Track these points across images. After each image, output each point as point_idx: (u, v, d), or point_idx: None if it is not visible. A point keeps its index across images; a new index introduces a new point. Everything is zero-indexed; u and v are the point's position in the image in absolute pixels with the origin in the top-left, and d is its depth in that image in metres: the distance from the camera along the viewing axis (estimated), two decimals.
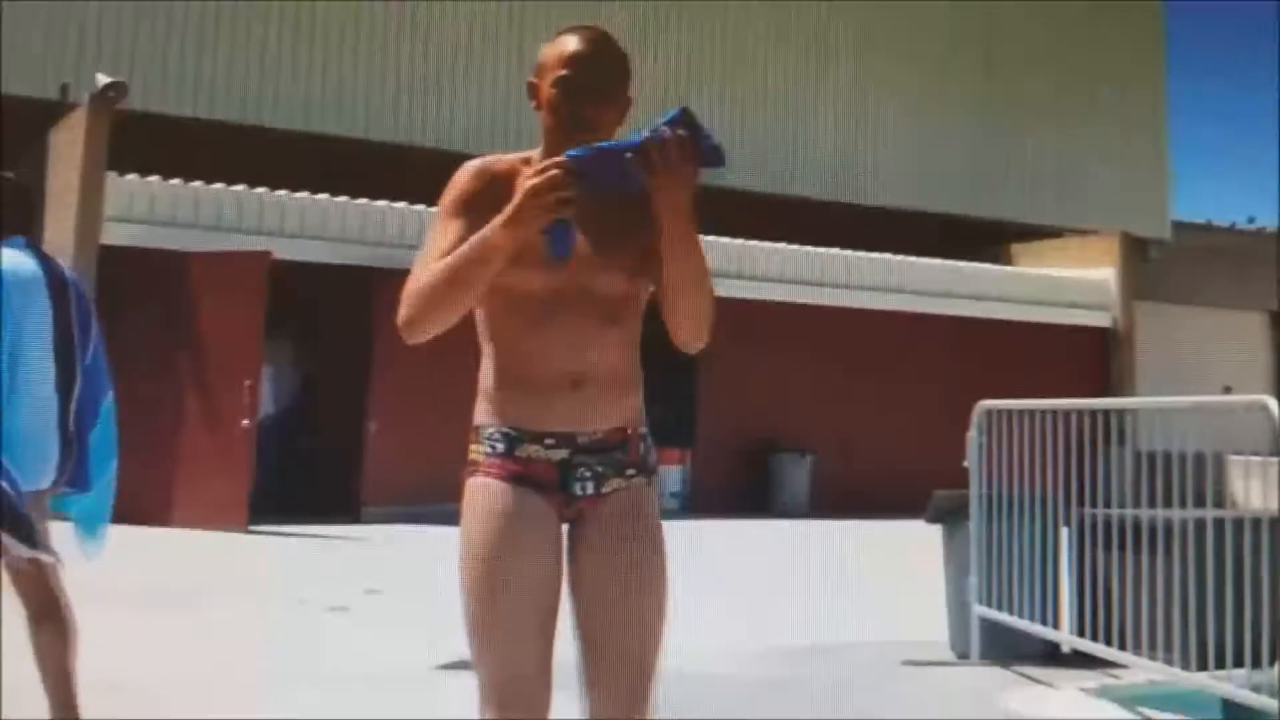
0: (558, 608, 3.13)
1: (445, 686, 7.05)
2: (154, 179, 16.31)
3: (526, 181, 2.93)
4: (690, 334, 3.13)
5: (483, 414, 3.17)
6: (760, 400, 19.89)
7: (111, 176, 15.76)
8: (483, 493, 3.12)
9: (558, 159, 2.91)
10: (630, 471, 3.19)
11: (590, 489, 3.15)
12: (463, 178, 3.23)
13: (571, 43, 3.16)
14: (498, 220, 2.95)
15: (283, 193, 17.02)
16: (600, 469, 3.16)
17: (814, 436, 20.05)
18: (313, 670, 7.58)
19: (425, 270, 3.05)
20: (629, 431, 3.20)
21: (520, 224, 2.92)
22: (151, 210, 16.14)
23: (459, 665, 7.54)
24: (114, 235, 15.57)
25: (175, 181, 16.41)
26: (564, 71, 3.13)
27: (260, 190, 16.91)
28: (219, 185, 16.63)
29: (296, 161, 18.48)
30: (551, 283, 3.08)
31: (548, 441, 3.11)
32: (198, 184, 16.50)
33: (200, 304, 15.41)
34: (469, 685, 7.01)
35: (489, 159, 3.26)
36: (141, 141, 16.33)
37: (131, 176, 16.15)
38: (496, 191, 3.09)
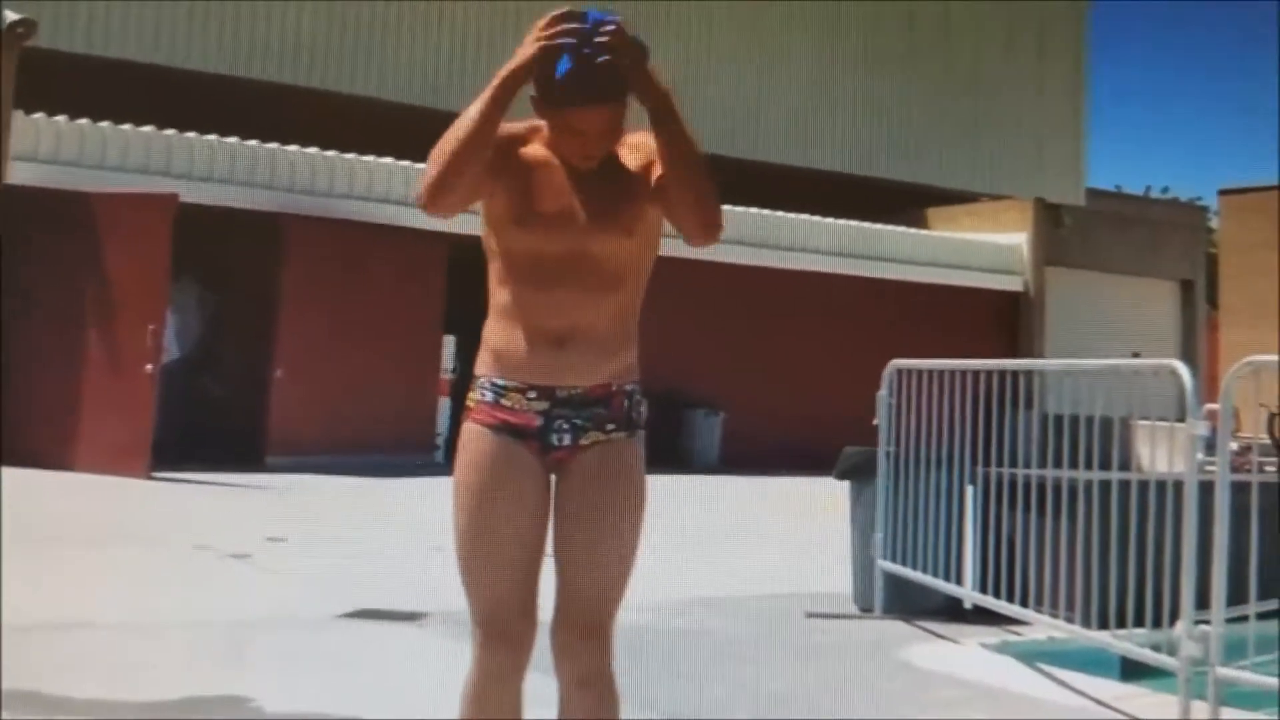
0: (542, 548, 3.32)
1: (346, 634, 6.98)
2: (60, 118, 15.99)
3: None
4: (698, 223, 3.25)
5: (480, 364, 3.36)
6: (672, 358, 19.84)
7: (17, 115, 15.41)
8: (473, 436, 3.33)
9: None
10: (610, 426, 3.35)
11: (567, 440, 3.31)
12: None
13: (569, 90, 3.19)
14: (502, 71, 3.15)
15: (191, 134, 16.74)
16: (579, 422, 3.32)
17: (726, 394, 20.08)
18: (210, 616, 7.48)
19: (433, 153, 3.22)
20: (612, 388, 3.35)
21: (518, 59, 3.13)
22: (57, 150, 15.83)
23: (360, 614, 7.50)
24: (18, 174, 15.22)
25: (82, 121, 16.11)
26: (565, 120, 3.21)
27: (168, 132, 16.61)
28: (126, 126, 16.34)
29: (206, 103, 18.20)
30: (549, 246, 3.24)
31: (530, 394, 3.29)
32: (105, 124, 16.20)
33: (105, 246, 15.12)
34: (368, 633, 6.95)
35: (511, 125, 3.32)
36: (48, 80, 16.00)
37: (38, 115, 15.82)
38: (512, 156, 3.28)
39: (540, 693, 3.42)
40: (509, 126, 3.30)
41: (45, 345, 14.83)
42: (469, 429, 3.34)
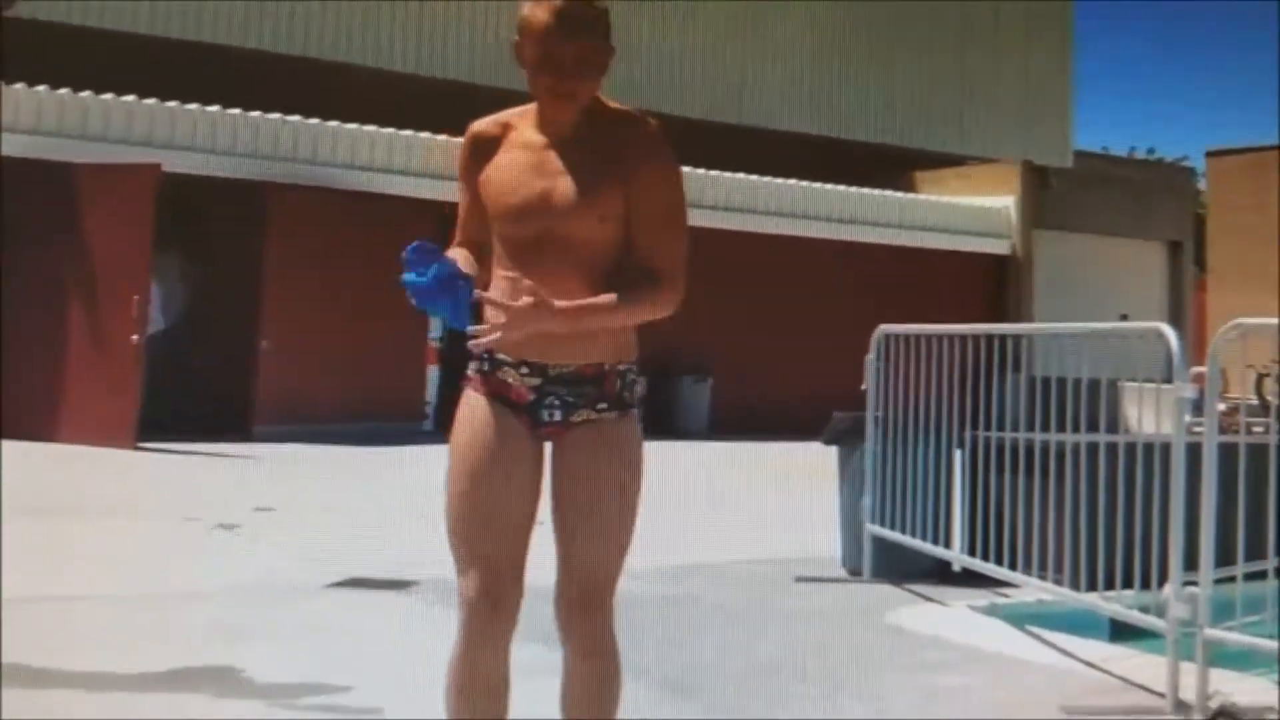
0: (534, 516, 3.38)
1: (335, 602, 6.98)
2: (41, 88, 15.91)
3: None
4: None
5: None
6: (660, 323, 19.84)
7: None
8: (471, 403, 3.41)
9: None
10: (601, 405, 3.38)
11: (557, 416, 3.37)
12: (463, 143, 3.48)
13: (545, 12, 3.26)
14: None
15: (173, 104, 16.65)
16: (570, 399, 3.37)
17: (714, 360, 20.08)
18: (199, 586, 7.48)
19: (456, 251, 3.41)
20: (605, 367, 3.39)
21: None
22: (39, 120, 15.76)
23: (349, 583, 7.49)
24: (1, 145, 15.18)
25: (63, 91, 16.02)
26: (543, 47, 3.26)
27: (150, 101, 16.53)
28: (108, 96, 16.25)
29: (187, 73, 18.09)
30: (527, 231, 3.30)
31: (523, 370, 3.35)
32: (86, 94, 16.11)
33: (88, 217, 15.09)
34: (358, 602, 6.94)
35: (480, 125, 3.46)
36: (30, 50, 15.92)
37: (19, 86, 15.74)
38: (485, 155, 3.40)
39: (544, 663, 3.43)
40: (493, 119, 3.43)
41: (29, 317, 14.78)
42: (468, 396, 3.42)
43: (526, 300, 3.14)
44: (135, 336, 14.74)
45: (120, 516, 10.00)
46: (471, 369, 3.43)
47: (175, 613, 6.77)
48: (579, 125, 3.33)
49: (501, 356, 3.35)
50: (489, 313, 3.24)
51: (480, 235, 3.44)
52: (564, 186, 3.29)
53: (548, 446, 3.42)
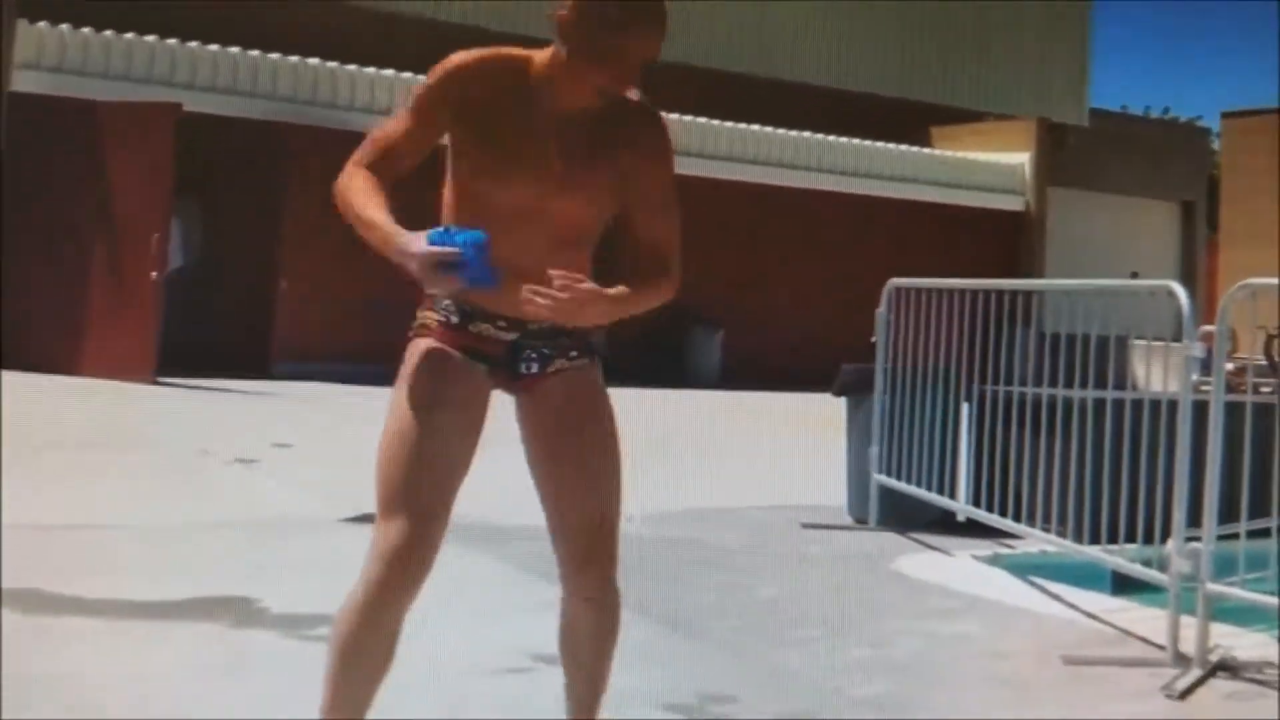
0: (464, 470, 3.21)
1: (348, 536, 7.07)
2: (64, 27, 15.95)
3: (420, 257, 3.00)
4: None
5: None
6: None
7: (21, 23, 15.39)
8: (428, 351, 3.22)
9: (450, 256, 2.97)
10: (573, 353, 3.31)
11: (535, 369, 3.27)
12: (440, 75, 3.22)
13: (638, 14, 3.09)
14: (393, 235, 3.07)
15: (194, 44, 16.68)
16: (546, 351, 3.27)
17: (726, 311, 20.12)
18: (216, 518, 7.58)
19: (357, 172, 3.22)
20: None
21: (398, 259, 3.05)
22: (62, 58, 15.82)
23: (365, 519, 7.57)
24: (22, 82, 15.26)
25: (86, 30, 16.05)
26: (618, 44, 3.08)
27: (171, 42, 16.56)
28: (130, 35, 16.27)
29: (208, 13, 18.09)
30: (509, 196, 3.16)
31: (499, 323, 3.23)
32: (108, 33, 16.14)
33: (109, 155, 15.17)
34: (371, 536, 6.97)
35: (468, 59, 3.22)
36: None
37: (41, 24, 15.78)
38: (470, 96, 3.17)
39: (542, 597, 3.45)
40: (482, 57, 3.23)
41: (50, 253, 14.90)
42: (425, 345, 3.24)
43: (590, 286, 3.03)
44: (154, 274, 14.83)
45: (139, 450, 10.09)
46: (433, 320, 3.26)
47: (193, 544, 6.86)
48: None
49: (473, 307, 3.21)
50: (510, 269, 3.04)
51: (404, 170, 3.28)
52: (561, 160, 3.17)
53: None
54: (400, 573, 3.09)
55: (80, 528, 7.07)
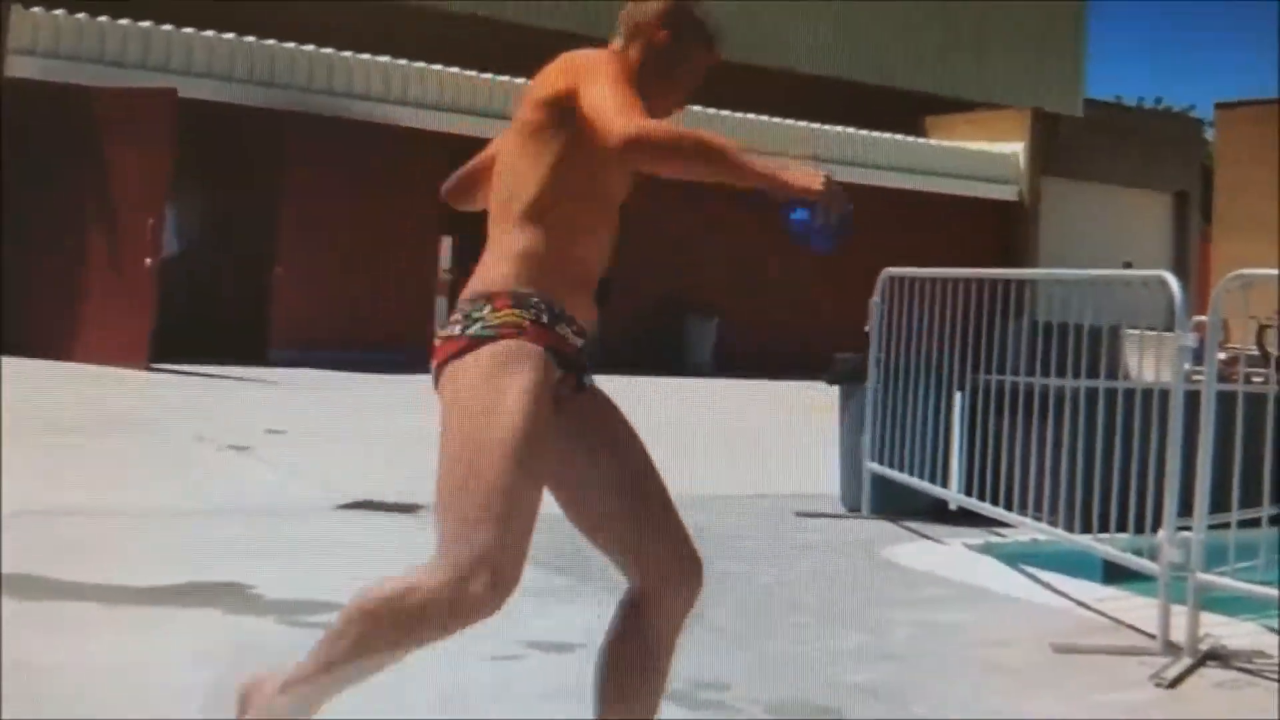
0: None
1: (344, 523, 7.10)
2: (59, 12, 15.93)
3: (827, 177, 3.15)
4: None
5: (524, 282, 3.09)
6: (669, 262, 19.92)
7: (16, 8, 15.39)
8: (528, 357, 3.01)
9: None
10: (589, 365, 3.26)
11: (589, 381, 3.20)
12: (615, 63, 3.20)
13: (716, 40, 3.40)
14: (767, 162, 3.12)
15: (190, 30, 16.66)
16: (588, 364, 3.22)
17: (721, 299, 20.15)
18: (210, 504, 7.60)
19: (671, 128, 3.07)
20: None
21: (781, 184, 3.14)
22: (57, 44, 15.81)
23: (358, 505, 7.60)
24: (18, 68, 15.29)
25: (81, 16, 16.04)
26: (696, 81, 3.37)
27: (167, 27, 16.54)
28: (125, 21, 16.26)
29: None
30: (619, 198, 3.22)
31: (574, 328, 3.13)
32: (103, 19, 16.13)
33: (104, 140, 15.20)
34: (366, 524, 6.99)
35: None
36: None
37: (36, 9, 15.77)
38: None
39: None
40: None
41: (46, 238, 14.93)
42: (523, 348, 3.03)
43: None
44: (149, 259, 14.85)
45: (133, 435, 10.12)
46: (525, 318, 3.06)
47: (187, 529, 6.88)
48: None
49: (560, 309, 3.09)
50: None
51: None
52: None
53: None
54: (505, 592, 2.93)
55: (76, 513, 7.09)
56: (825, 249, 3.13)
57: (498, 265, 3.14)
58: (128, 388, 13.01)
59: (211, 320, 17.02)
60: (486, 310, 3.07)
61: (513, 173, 3.18)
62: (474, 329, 3.06)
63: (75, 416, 10.73)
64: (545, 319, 3.06)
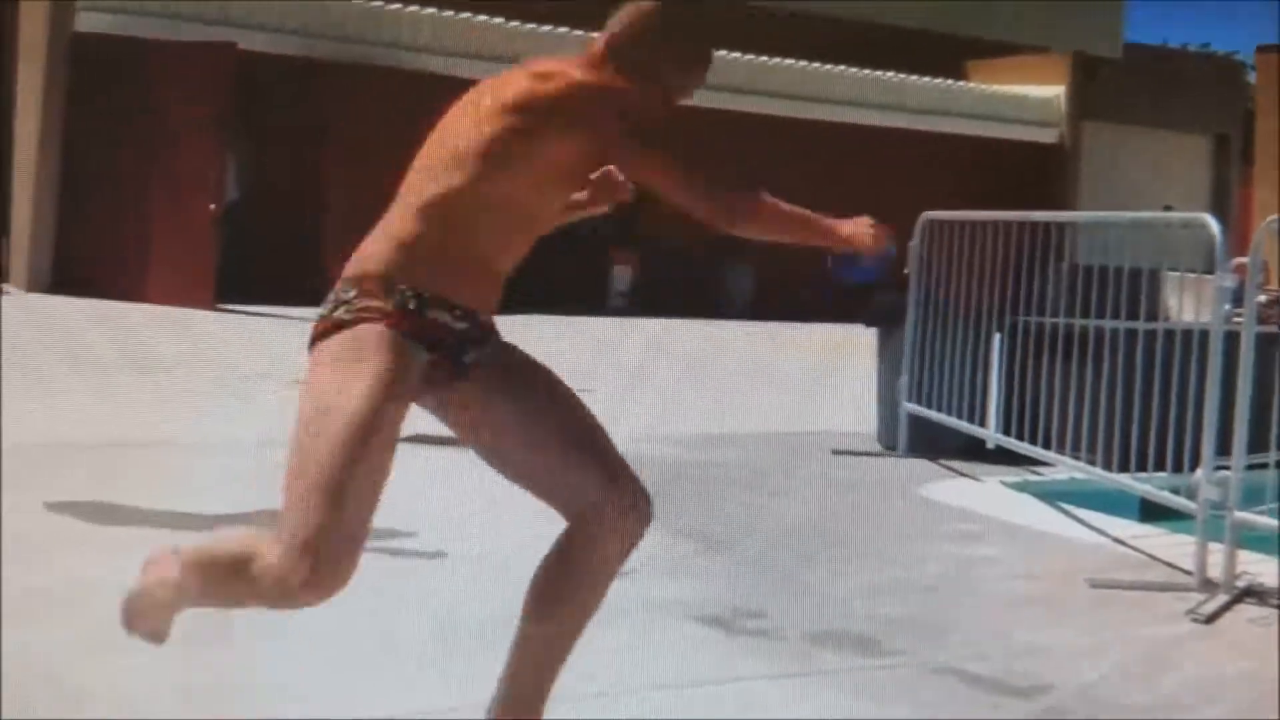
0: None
1: (399, 455, 7.20)
2: None
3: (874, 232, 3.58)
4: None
5: (397, 267, 3.10)
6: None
7: None
8: (383, 341, 3.00)
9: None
10: (498, 349, 3.23)
11: (471, 358, 3.13)
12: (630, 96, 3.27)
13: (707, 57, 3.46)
14: (837, 224, 3.59)
15: None
16: (479, 344, 3.16)
17: (759, 243, 20.13)
18: (272, 435, 7.71)
19: (749, 193, 3.47)
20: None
21: (844, 242, 3.57)
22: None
23: (410, 439, 7.67)
24: (86, 23, 15.58)
25: None
26: (698, 80, 3.46)
27: None
28: None
29: None
30: (547, 225, 3.28)
31: (455, 312, 3.09)
32: None
33: (169, 92, 15.61)
34: (417, 454, 7.11)
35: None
36: None
37: None
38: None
39: None
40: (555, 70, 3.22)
41: (113, 185, 15.40)
42: (377, 332, 3.01)
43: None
44: (212, 205, 15.40)
45: (199, 371, 10.32)
46: (388, 306, 3.04)
47: (249, 459, 7.00)
48: None
49: (433, 295, 3.06)
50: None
51: None
52: (576, 181, 3.36)
53: None
54: (331, 579, 2.95)
55: (144, 444, 7.23)
56: (867, 281, 3.32)
57: (377, 244, 3.18)
58: (196, 326, 13.25)
59: (271, 263, 17.26)
60: (352, 294, 3.09)
61: (450, 155, 3.19)
62: (339, 312, 3.08)
63: (144, 354, 10.92)
64: (412, 305, 3.04)
